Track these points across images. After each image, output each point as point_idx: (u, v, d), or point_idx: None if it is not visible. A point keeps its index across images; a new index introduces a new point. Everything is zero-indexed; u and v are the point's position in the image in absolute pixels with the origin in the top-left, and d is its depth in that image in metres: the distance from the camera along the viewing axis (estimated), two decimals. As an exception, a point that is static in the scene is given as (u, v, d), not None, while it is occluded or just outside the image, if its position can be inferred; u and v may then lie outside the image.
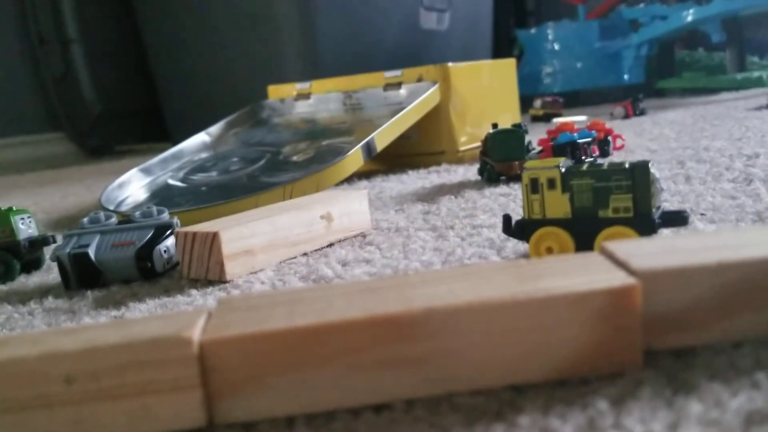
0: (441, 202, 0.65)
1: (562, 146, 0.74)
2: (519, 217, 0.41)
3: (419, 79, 0.94)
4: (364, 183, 0.85)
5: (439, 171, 0.89)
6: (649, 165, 0.37)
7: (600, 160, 0.79)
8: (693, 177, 0.63)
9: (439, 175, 0.87)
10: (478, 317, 0.24)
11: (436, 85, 0.92)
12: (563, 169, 0.39)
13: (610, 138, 0.85)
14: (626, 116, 1.41)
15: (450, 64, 0.95)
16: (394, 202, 0.69)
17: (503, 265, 0.28)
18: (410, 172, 0.90)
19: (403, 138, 0.97)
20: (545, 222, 0.40)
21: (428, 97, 0.90)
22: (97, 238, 0.48)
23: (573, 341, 0.24)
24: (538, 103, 1.65)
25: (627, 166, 0.38)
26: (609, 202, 0.38)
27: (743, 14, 1.96)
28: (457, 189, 0.73)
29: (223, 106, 1.36)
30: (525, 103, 1.68)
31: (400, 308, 0.24)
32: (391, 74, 0.96)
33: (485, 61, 1.05)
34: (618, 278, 0.25)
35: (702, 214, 0.48)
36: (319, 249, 0.51)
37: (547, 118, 1.61)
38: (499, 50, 2.69)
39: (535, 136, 1.07)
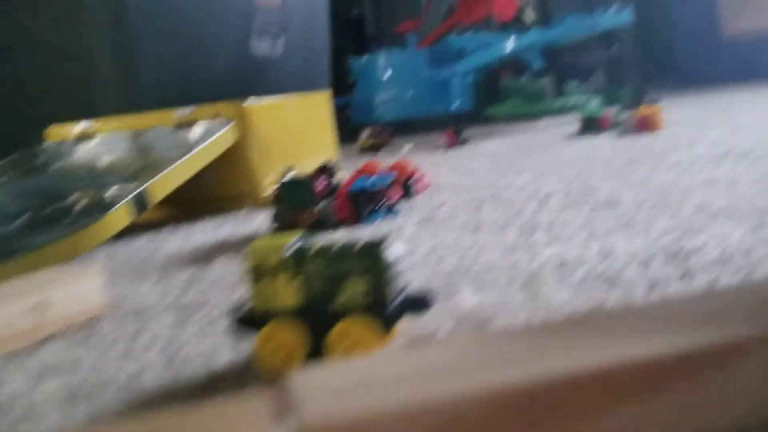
0: (215, 264, 0.58)
1: (357, 193, 0.69)
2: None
3: (214, 117, 0.87)
4: (145, 239, 0.76)
5: (237, 218, 0.82)
6: (386, 243, 0.32)
7: (402, 204, 0.75)
8: (483, 225, 0.59)
9: (236, 223, 0.79)
10: None
11: (231, 124, 0.85)
12: (293, 251, 0.33)
13: (414, 178, 0.81)
14: (450, 146, 1.41)
15: (248, 101, 0.88)
16: (163, 265, 0.60)
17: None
18: (205, 221, 0.82)
19: (200, 181, 0.89)
20: (274, 314, 0.33)
21: (221, 137, 0.82)
22: None
23: None
24: (366, 133, 1.61)
25: (361, 246, 0.32)
26: (344, 288, 0.32)
27: (561, 43, 2.05)
28: (243, 244, 0.65)
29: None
30: (357, 133, 1.64)
31: None
32: (182, 112, 0.87)
33: (292, 96, 0.99)
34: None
35: (474, 277, 0.44)
36: (25, 347, 0.41)
37: (375, 148, 1.58)
38: (340, 78, 2.67)
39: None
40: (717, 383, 0.21)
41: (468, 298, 0.40)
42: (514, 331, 0.24)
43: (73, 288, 0.44)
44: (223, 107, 0.87)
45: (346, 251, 0.32)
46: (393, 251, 0.32)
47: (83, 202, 0.74)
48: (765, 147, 0.82)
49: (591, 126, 1.31)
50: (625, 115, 1.25)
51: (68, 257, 0.63)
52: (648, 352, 0.21)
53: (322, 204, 0.69)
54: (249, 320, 0.34)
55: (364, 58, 2.19)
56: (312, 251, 0.33)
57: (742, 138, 0.94)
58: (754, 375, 0.22)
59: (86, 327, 0.44)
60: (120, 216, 0.65)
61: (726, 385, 0.21)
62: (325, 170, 0.79)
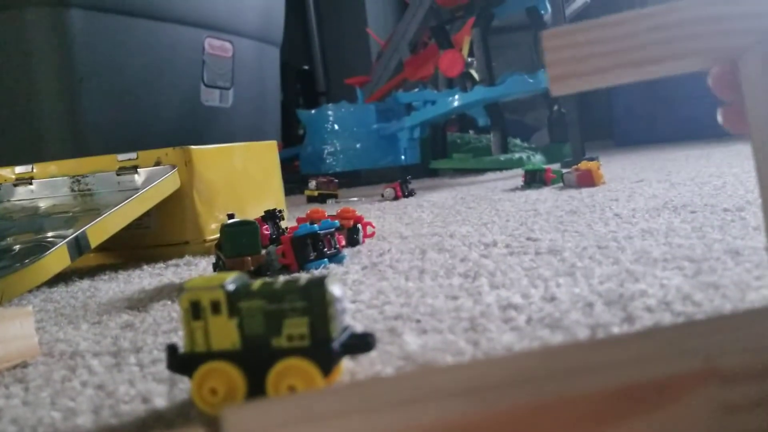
0: (152, 310, 0.56)
1: (301, 239, 0.68)
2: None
3: (157, 163, 0.85)
4: (83, 284, 0.73)
5: (179, 265, 0.80)
6: (327, 282, 0.32)
7: (347, 251, 0.75)
8: (428, 270, 0.59)
9: (177, 270, 0.77)
10: None
11: (175, 170, 0.83)
12: (230, 289, 0.32)
13: (359, 226, 0.81)
14: (396, 197, 1.41)
15: (193, 147, 0.87)
16: (99, 311, 0.58)
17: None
18: (145, 267, 0.80)
19: (141, 228, 0.87)
20: (210, 355, 0.32)
21: (164, 182, 0.81)
22: None
23: None
24: (312, 183, 1.61)
25: (302, 283, 0.32)
26: (283, 328, 0.31)
27: (504, 100, 2.11)
28: (182, 290, 0.64)
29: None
30: (305, 183, 1.64)
31: None
32: (124, 157, 0.85)
33: (238, 144, 0.98)
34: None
35: (418, 321, 0.44)
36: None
37: (322, 198, 1.58)
38: (291, 129, 2.68)
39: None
40: (657, 419, 0.21)
41: (412, 341, 0.39)
42: (454, 367, 0.24)
43: (3, 330, 0.42)
44: (167, 152, 0.86)
45: (285, 290, 0.31)
46: (334, 291, 0.32)
47: (18, 246, 0.71)
48: (700, 201, 0.85)
49: (534, 180, 1.33)
50: (567, 170, 1.29)
51: (2, 299, 0.60)
52: (589, 387, 0.21)
53: (266, 250, 0.68)
54: (184, 362, 0.32)
55: (314, 111, 2.20)
56: (249, 289, 0.32)
57: (678, 192, 0.97)
58: (696, 411, 0.22)
59: (16, 370, 0.42)
60: (57, 259, 0.63)
61: (668, 422, 0.21)
62: (271, 217, 0.79)
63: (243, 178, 0.97)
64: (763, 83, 0.27)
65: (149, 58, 1.58)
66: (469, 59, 2.10)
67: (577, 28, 0.27)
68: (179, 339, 0.45)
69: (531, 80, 1.84)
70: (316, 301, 0.31)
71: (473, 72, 2.13)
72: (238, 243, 0.66)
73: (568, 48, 0.27)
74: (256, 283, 0.32)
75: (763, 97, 0.28)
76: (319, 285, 0.31)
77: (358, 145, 2.10)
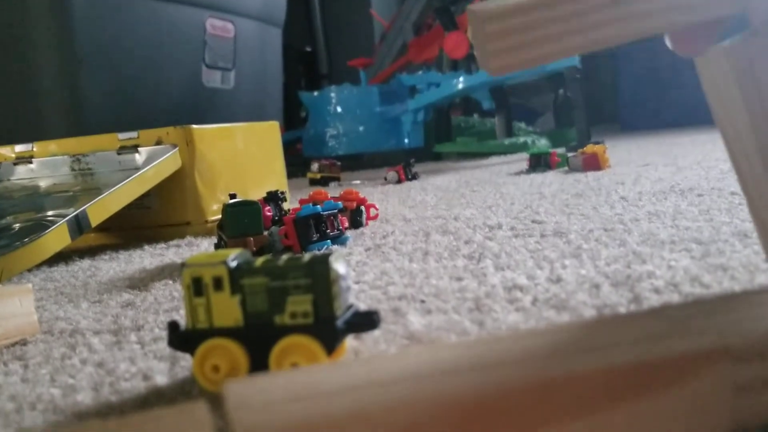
0: (153, 289, 0.55)
1: (303, 220, 0.67)
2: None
3: (158, 142, 0.84)
4: (84, 263, 0.72)
5: (180, 245, 0.79)
6: (331, 259, 0.31)
7: (350, 233, 0.74)
8: (431, 252, 0.59)
9: (179, 250, 0.77)
10: None
11: (176, 149, 0.83)
12: (233, 265, 0.31)
13: (362, 208, 0.80)
14: (399, 181, 1.41)
15: (194, 126, 0.86)
16: (100, 289, 0.58)
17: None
18: (147, 248, 0.79)
19: (142, 208, 0.86)
20: (212, 332, 0.31)
21: (165, 161, 0.80)
22: None
23: None
24: (315, 166, 1.60)
25: (305, 260, 0.31)
26: (286, 305, 0.31)
27: (508, 83, 2.09)
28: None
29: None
30: (308, 166, 1.63)
31: None
32: (125, 136, 0.85)
33: (240, 124, 0.97)
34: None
35: (422, 301, 0.43)
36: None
37: (325, 181, 1.58)
38: (293, 112, 2.66)
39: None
40: (669, 398, 0.21)
41: (416, 320, 0.39)
42: (459, 343, 0.23)
43: (2, 307, 0.41)
44: (168, 131, 0.85)
45: (288, 267, 0.31)
46: (338, 268, 0.31)
47: (18, 225, 0.70)
48: (707, 184, 0.84)
49: (539, 164, 1.33)
50: (573, 154, 1.28)
51: (2, 277, 0.60)
52: (600, 364, 0.21)
53: (268, 231, 0.68)
54: (185, 339, 0.32)
55: (316, 93, 2.19)
56: (252, 266, 0.31)
57: (685, 176, 0.96)
58: (708, 390, 0.21)
59: (15, 347, 0.41)
60: (57, 237, 0.62)
61: (680, 400, 0.21)
62: (273, 198, 0.78)
63: (245, 158, 0.96)
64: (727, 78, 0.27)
65: (150, 38, 1.57)
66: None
67: (511, 9, 0.25)
68: (181, 318, 0.45)
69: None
70: (320, 279, 0.31)
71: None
72: (241, 223, 0.65)
73: (510, 34, 0.25)
74: (259, 260, 0.32)
75: (730, 94, 0.27)
76: (323, 262, 0.31)
77: (361, 128, 2.09)
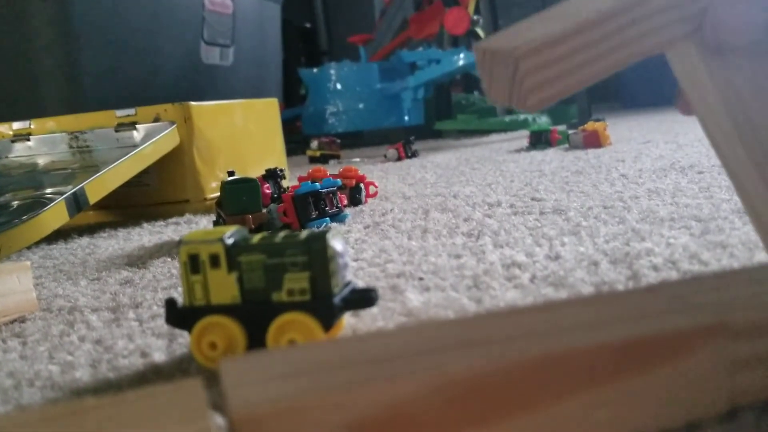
0: (152, 266, 0.55)
1: (302, 197, 0.67)
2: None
3: (156, 119, 0.84)
4: (82, 241, 0.72)
5: (179, 223, 0.79)
6: (328, 236, 0.31)
7: (349, 210, 0.74)
8: (430, 230, 0.59)
9: (177, 227, 0.76)
10: None
11: (174, 126, 0.82)
12: (229, 242, 0.31)
13: (362, 185, 0.80)
14: (399, 158, 1.40)
15: (193, 103, 0.85)
16: (98, 267, 0.58)
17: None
18: (145, 225, 0.79)
19: (141, 185, 0.86)
20: (209, 309, 0.31)
21: (163, 138, 0.80)
22: None
23: None
24: (314, 144, 1.60)
25: (302, 237, 0.31)
26: (283, 282, 0.31)
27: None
28: (184, 247, 0.63)
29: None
30: (307, 144, 1.63)
31: None
32: (123, 113, 0.84)
33: (238, 100, 0.97)
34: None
35: (420, 279, 0.43)
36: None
37: (324, 159, 1.57)
38: (292, 89, 2.65)
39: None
40: (667, 374, 0.21)
41: (414, 298, 0.39)
42: (454, 320, 0.23)
43: (1, 285, 0.41)
44: (166, 108, 0.84)
45: (286, 244, 0.31)
46: (335, 245, 0.31)
47: (17, 202, 0.70)
48: (707, 162, 0.83)
49: (539, 141, 1.32)
50: (574, 131, 1.27)
51: (1, 255, 0.59)
52: (598, 340, 0.21)
53: (267, 208, 0.67)
54: (183, 316, 0.32)
55: (316, 70, 2.17)
56: (249, 243, 0.31)
57: (685, 153, 0.96)
58: (706, 366, 0.21)
59: (14, 324, 0.41)
60: (55, 214, 0.62)
61: (676, 377, 0.21)
62: (272, 176, 0.78)
63: (244, 136, 0.96)
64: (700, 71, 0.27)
65: (148, 14, 1.55)
66: (475, 17, 2.06)
67: (545, 43, 0.25)
68: (179, 295, 0.45)
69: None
70: (317, 256, 0.30)
71: (479, 30, 2.10)
72: (239, 200, 0.65)
73: (546, 67, 0.25)
74: (256, 237, 0.32)
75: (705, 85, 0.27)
76: (320, 239, 0.30)
77: (360, 105, 2.08)
